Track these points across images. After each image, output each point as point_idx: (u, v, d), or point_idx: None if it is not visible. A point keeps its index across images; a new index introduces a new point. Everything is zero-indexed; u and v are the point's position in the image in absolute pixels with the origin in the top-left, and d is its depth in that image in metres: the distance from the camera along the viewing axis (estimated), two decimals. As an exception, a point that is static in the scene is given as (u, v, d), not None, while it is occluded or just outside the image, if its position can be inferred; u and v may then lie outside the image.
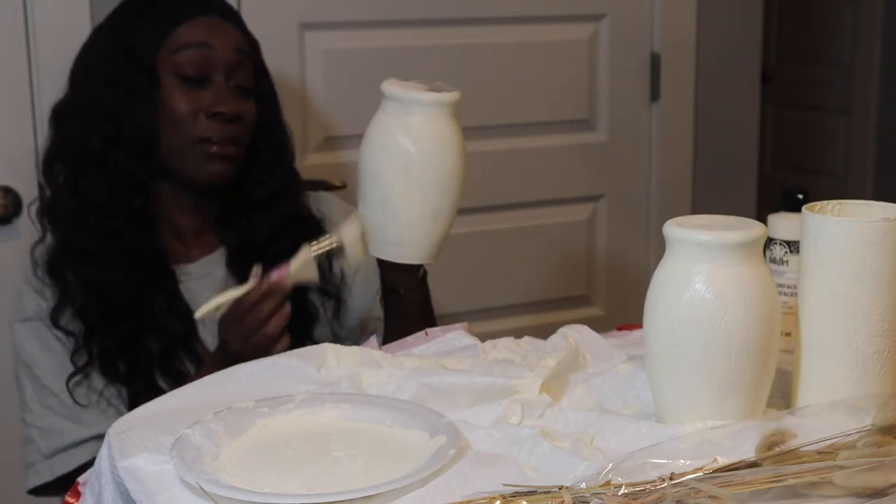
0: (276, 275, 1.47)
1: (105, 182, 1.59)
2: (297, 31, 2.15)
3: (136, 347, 1.58)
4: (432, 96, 1.44)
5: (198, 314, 1.48)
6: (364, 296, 1.75)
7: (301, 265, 1.49)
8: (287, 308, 1.47)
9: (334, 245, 1.50)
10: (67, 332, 1.58)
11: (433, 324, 1.57)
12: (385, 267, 1.55)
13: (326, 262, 1.52)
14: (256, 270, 1.47)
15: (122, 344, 1.58)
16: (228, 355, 1.46)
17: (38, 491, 1.61)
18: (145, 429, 1.14)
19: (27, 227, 1.98)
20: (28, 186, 1.97)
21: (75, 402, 1.56)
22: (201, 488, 0.97)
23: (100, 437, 1.52)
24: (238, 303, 1.46)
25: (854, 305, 1.08)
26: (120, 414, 1.53)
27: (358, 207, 1.50)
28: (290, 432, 1.11)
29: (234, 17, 1.69)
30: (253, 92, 1.66)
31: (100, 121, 1.60)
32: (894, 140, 3.81)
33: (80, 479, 1.21)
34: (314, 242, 1.49)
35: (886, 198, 1.19)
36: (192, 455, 1.03)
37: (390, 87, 1.46)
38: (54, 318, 1.58)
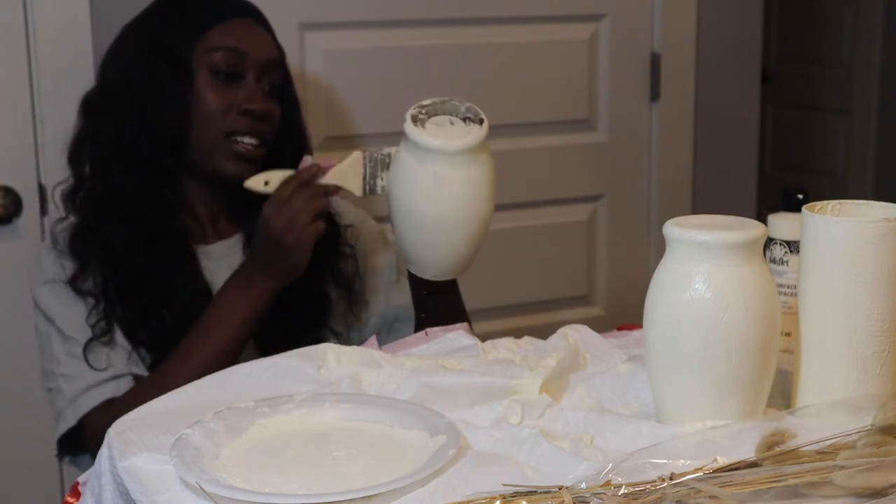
0: (324, 162, 1.55)
1: (136, 172, 1.63)
2: (297, 31, 2.15)
3: (155, 322, 1.61)
4: (458, 144, 1.44)
5: (247, 183, 1.58)
6: (379, 288, 1.78)
7: (349, 165, 1.55)
8: (325, 201, 1.55)
9: (384, 156, 1.54)
10: (87, 295, 1.61)
11: (468, 317, 1.64)
12: (418, 277, 1.59)
13: (371, 179, 1.56)
14: (307, 158, 1.57)
15: (140, 317, 1.61)
16: (267, 242, 1.53)
17: (65, 442, 1.62)
18: (145, 429, 1.14)
19: (27, 226, 1.98)
20: (28, 186, 1.97)
21: (91, 367, 1.58)
22: (201, 488, 0.97)
23: (119, 377, 1.57)
24: (286, 182, 1.55)
25: (854, 305, 1.08)
26: (141, 362, 1.59)
27: (394, 233, 1.54)
28: (290, 432, 1.11)
29: (265, 22, 1.73)
30: (279, 93, 1.71)
31: (133, 113, 1.64)
32: (894, 140, 3.81)
33: (80, 478, 1.22)
34: (366, 150, 1.56)
35: (886, 198, 1.19)
36: (192, 455, 1.03)
37: (408, 114, 1.45)
38: (73, 286, 1.61)
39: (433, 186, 1.46)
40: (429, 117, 1.46)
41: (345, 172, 1.55)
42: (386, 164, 1.54)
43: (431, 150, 1.44)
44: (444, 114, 1.47)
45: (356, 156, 1.55)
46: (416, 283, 1.61)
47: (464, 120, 1.47)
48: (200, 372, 1.43)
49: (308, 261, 1.55)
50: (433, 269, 1.55)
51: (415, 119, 1.46)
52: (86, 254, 1.62)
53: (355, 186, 1.55)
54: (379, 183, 1.55)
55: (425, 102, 1.48)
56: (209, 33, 1.65)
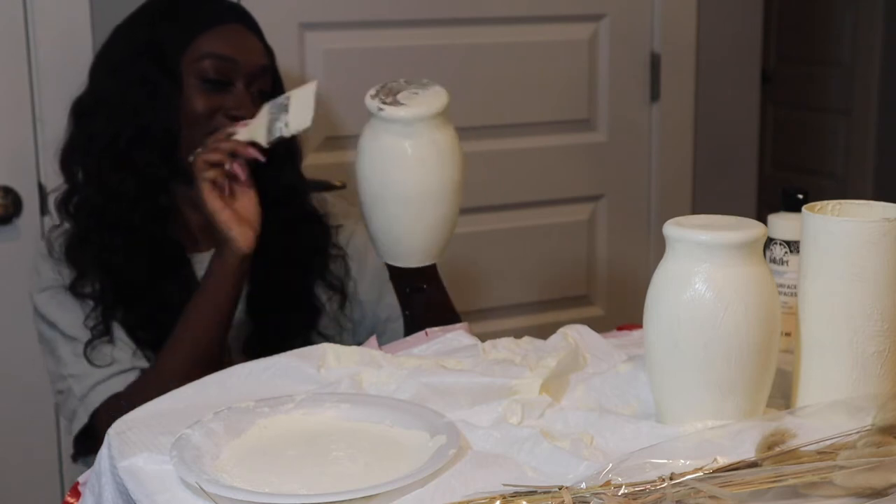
0: (239, 125, 1.59)
1: (132, 179, 1.63)
2: (297, 31, 2.15)
3: (153, 329, 1.62)
4: (412, 111, 1.41)
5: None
6: (372, 287, 1.77)
7: (256, 119, 1.59)
8: (218, 150, 1.56)
9: (285, 99, 1.58)
10: (86, 298, 1.62)
11: (456, 312, 1.62)
12: (399, 271, 1.56)
13: (271, 124, 1.58)
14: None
15: (139, 324, 1.62)
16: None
17: (80, 442, 1.63)
18: (145, 429, 1.14)
19: (27, 226, 1.98)
20: (28, 186, 1.97)
21: (95, 366, 1.59)
22: (201, 488, 0.97)
23: (126, 371, 1.59)
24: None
25: (854, 305, 1.08)
26: (145, 356, 1.61)
27: (363, 216, 1.51)
28: (290, 432, 1.11)
29: (256, 27, 1.73)
30: (269, 98, 1.69)
31: (126, 118, 1.63)
32: (894, 140, 3.81)
33: (80, 478, 1.22)
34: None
35: (886, 198, 1.19)
36: (192, 455, 1.03)
37: (374, 104, 1.43)
38: (73, 291, 1.62)
39: (433, 154, 1.43)
40: (392, 97, 1.45)
41: (253, 128, 1.58)
42: (285, 106, 1.58)
43: (423, 118, 1.41)
44: (398, 92, 1.46)
45: (263, 108, 1.60)
46: (400, 280, 1.59)
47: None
48: (190, 354, 1.50)
49: (222, 214, 1.54)
50: (423, 252, 1.51)
51: (385, 104, 1.43)
52: (83, 262, 1.62)
53: (261, 137, 1.57)
54: (278, 126, 1.57)
55: (372, 92, 1.45)
56: (198, 40, 1.64)
